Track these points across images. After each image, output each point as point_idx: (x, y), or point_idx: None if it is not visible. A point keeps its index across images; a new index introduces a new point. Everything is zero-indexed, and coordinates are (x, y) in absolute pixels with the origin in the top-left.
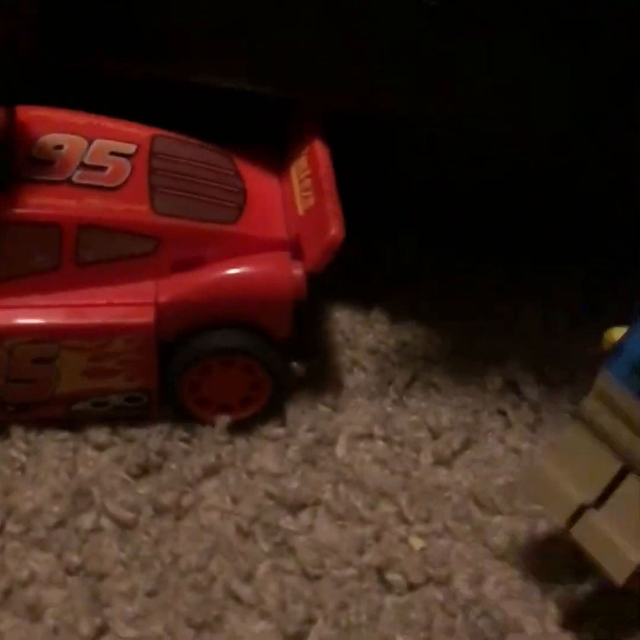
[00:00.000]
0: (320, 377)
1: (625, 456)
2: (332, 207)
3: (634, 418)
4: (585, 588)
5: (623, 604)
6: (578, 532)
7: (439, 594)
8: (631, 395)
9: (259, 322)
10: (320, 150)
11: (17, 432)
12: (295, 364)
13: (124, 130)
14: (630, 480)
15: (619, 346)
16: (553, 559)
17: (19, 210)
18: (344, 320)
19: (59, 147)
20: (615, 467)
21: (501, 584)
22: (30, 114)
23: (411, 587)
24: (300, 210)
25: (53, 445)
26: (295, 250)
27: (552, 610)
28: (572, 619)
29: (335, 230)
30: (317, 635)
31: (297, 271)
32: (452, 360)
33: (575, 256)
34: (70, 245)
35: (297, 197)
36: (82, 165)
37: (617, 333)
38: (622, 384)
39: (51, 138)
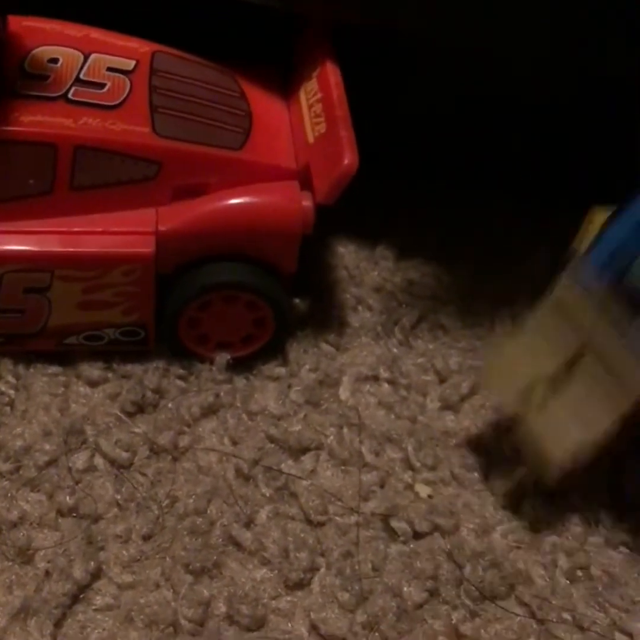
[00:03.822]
0: (324, 315)
1: (587, 337)
2: (346, 134)
3: (602, 305)
4: (595, 539)
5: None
6: (525, 407)
7: (445, 544)
8: (603, 285)
9: (265, 256)
10: (332, 72)
11: (5, 365)
12: (297, 301)
13: (122, 45)
14: (586, 361)
15: (600, 233)
16: (562, 509)
17: (9, 128)
18: (348, 256)
19: (54, 60)
20: (572, 346)
21: (509, 534)
22: (23, 24)
23: (417, 535)
24: (310, 138)
25: (44, 380)
26: (305, 180)
27: (562, 561)
28: (581, 570)
29: (349, 159)
30: (320, 583)
31: (307, 202)
32: (461, 301)
33: (585, 192)
34: (65, 168)
35: (307, 123)
36: (78, 81)
37: (601, 215)
38: (598, 271)
39: (45, 51)
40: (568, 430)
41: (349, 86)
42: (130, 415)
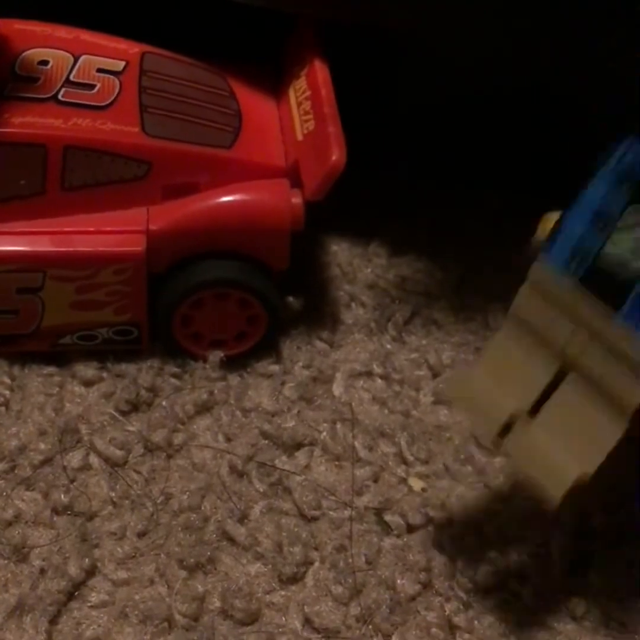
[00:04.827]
0: (317, 312)
1: (562, 354)
2: (334, 131)
3: (574, 306)
4: (589, 532)
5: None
6: (510, 446)
7: (438, 536)
8: (571, 282)
9: (256, 253)
10: (320, 70)
11: (0, 366)
12: (291, 298)
13: (112, 46)
14: (568, 381)
15: (556, 230)
16: None
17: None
18: (341, 254)
19: (44, 62)
20: (551, 369)
21: (503, 528)
22: (13, 27)
23: (410, 528)
24: (299, 135)
25: (38, 380)
26: (294, 177)
27: (556, 556)
28: (576, 565)
29: (337, 155)
30: (314, 577)
31: (296, 200)
32: (453, 296)
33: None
34: (55, 168)
35: (296, 120)
36: (68, 82)
37: (555, 217)
38: (561, 271)
39: (35, 53)
40: (560, 464)
41: (340, 84)
42: (124, 413)
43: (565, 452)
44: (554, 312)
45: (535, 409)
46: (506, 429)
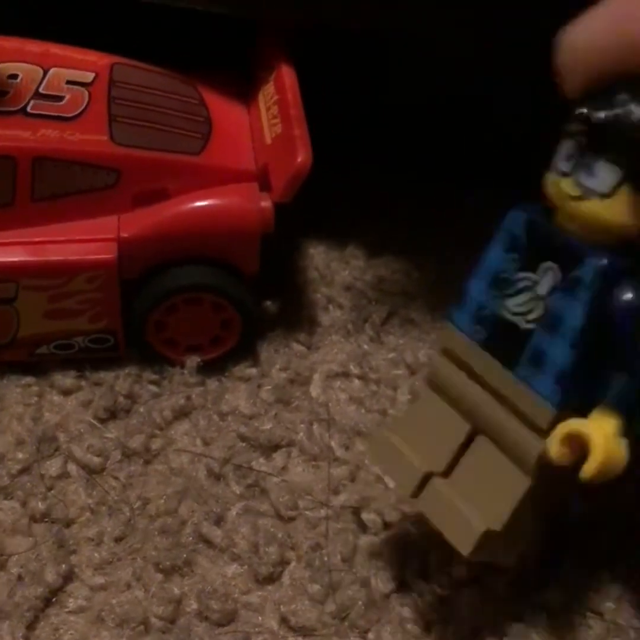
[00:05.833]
0: (294, 314)
1: (472, 416)
2: (300, 133)
3: (480, 369)
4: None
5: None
6: (422, 503)
7: (414, 532)
8: (476, 346)
9: (226, 257)
10: (287, 75)
11: None
12: (268, 302)
13: (81, 58)
14: (477, 443)
15: (461, 296)
16: None
17: None
18: (318, 257)
19: (13, 76)
20: (462, 432)
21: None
22: None
23: (387, 526)
24: (268, 139)
25: (17, 390)
26: (263, 181)
27: (530, 548)
28: (552, 556)
29: (302, 157)
30: (290, 576)
31: (265, 203)
32: (430, 295)
33: None
34: (25, 179)
35: (265, 125)
36: (37, 95)
37: None
38: (467, 335)
39: (4, 67)
40: (468, 521)
41: (318, 84)
42: (102, 421)
43: (474, 509)
44: (463, 375)
45: (449, 469)
46: (422, 487)
